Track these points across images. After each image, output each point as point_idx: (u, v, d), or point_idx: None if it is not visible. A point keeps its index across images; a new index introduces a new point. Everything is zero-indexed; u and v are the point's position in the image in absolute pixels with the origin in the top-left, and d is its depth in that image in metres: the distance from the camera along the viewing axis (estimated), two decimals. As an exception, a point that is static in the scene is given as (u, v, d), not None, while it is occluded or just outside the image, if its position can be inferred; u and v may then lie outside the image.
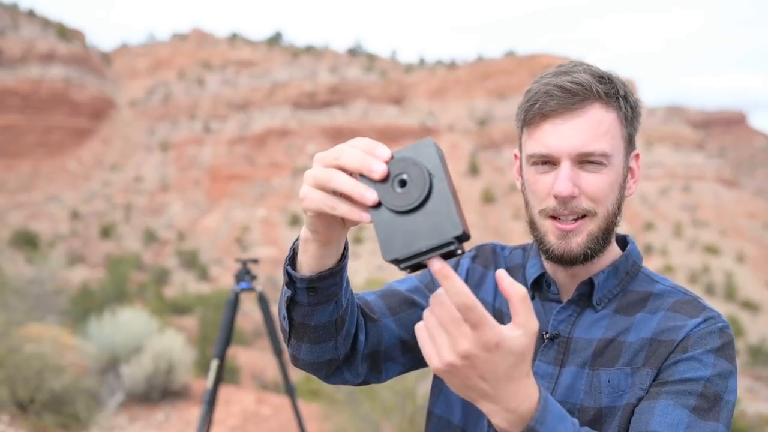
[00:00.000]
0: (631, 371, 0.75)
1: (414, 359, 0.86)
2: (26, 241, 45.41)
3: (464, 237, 0.51)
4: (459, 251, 0.52)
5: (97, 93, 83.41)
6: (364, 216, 0.54)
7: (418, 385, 4.43)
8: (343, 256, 0.68)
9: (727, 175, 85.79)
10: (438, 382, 0.88)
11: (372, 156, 0.54)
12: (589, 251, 0.77)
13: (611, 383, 0.75)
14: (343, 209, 0.55)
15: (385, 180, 0.52)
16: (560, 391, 0.78)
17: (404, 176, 0.52)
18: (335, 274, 0.67)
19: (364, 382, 0.84)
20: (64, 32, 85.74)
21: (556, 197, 0.75)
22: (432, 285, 0.89)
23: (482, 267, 0.92)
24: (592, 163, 0.75)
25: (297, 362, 0.77)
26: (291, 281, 0.68)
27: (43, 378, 3.96)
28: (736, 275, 61.74)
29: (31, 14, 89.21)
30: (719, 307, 57.48)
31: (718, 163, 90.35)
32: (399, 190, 0.52)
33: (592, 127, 0.75)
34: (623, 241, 0.87)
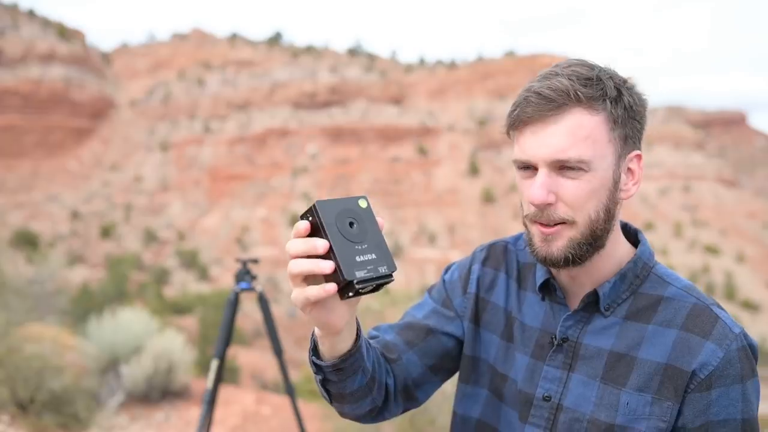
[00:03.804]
0: (651, 400, 0.75)
1: (446, 373, 0.93)
2: (26, 241, 45.39)
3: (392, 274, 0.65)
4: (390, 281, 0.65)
5: (97, 93, 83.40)
6: (329, 289, 0.62)
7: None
8: (358, 336, 0.74)
9: (727, 175, 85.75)
10: (461, 386, 0.92)
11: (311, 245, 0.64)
12: (570, 256, 0.77)
13: (629, 405, 0.76)
14: (312, 292, 0.63)
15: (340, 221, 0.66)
16: (570, 398, 0.79)
17: (352, 219, 0.66)
18: (354, 354, 0.74)
19: (405, 411, 0.91)
20: (64, 32, 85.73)
21: (531, 204, 0.76)
22: (449, 301, 0.93)
23: (493, 269, 0.93)
24: (571, 169, 0.74)
25: (343, 415, 0.85)
26: (318, 368, 0.75)
27: (43, 378, 3.96)
28: (736, 275, 61.72)
29: (31, 14, 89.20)
30: (719, 307, 57.57)
31: (718, 163, 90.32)
32: (349, 229, 0.65)
33: (569, 133, 0.73)
34: (636, 237, 0.85)
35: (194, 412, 4.85)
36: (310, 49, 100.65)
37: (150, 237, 62.53)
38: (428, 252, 61.34)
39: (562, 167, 0.74)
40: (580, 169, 0.74)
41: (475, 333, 0.91)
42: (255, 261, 2.67)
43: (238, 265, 2.67)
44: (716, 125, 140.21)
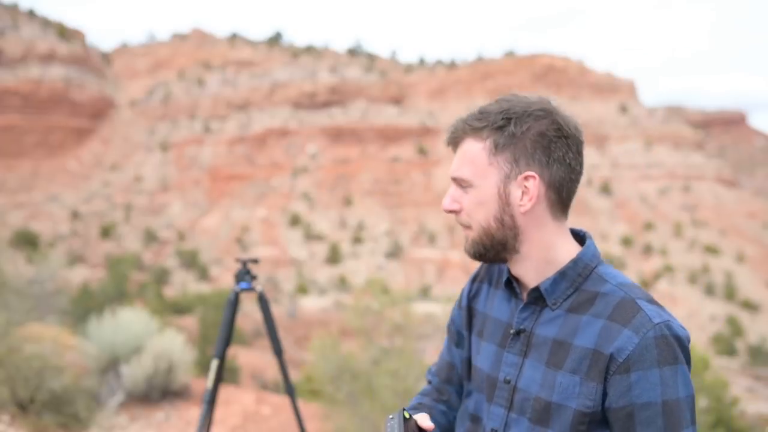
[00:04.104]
0: (580, 381, 0.88)
1: None
2: (26, 241, 45.39)
3: None
4: None
5: (97, 93, 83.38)
6: None
7: (417, 384, 4.42)
8: None
9: (727, 175, 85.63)
10: (465, 383, 1.10)
11: None
12: (477, 254, 0.96)
13: (562, 385, 0.90)
14: None
15: None
16: (523, 380, 0.95)
17: None
18: None
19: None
20: (64, 32, 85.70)
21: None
22: (452, 324, 1.14)
23: (479, 283, 1.10)
24: (462, 185, 0.95)
25: None
26: None
27: (44, 378, 3.96)
28: (735, 275, 61.65)
29: (31, 14, 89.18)
30: (719, 307, 57.41)
31: (717, 163, 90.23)
32: None
33: (460, 156, 0.95)
34: (583, 240, 0.99)
35: (194, 412, 4.85)
36: (310, 50, 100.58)
37: (150, 237, 62.51)
38: (428, 252, 61.31)
39: (459, 183, 0.96)
40: (469, 185, 0.94)
41: (470, 338, 1.08)
42: (255, 261, 2.67)
43: (238, 265, 2.67)
44: (716, 125, 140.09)
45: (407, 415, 0.88)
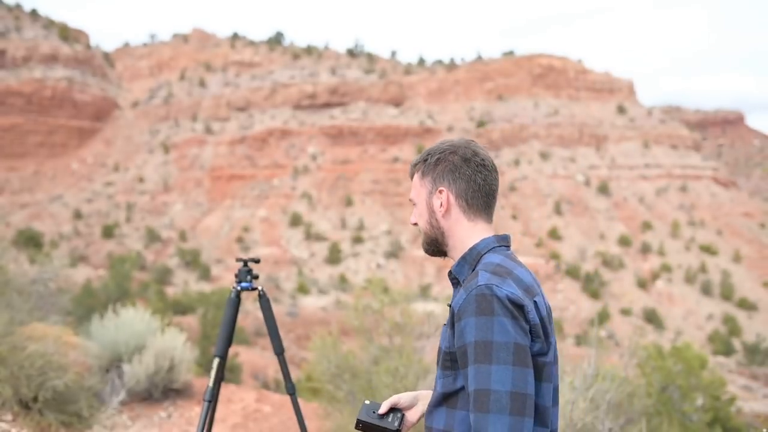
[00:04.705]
0: (445, 329, 1.26)
1: None
2: (29, 241, 45.49)
3: None
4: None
5: (100, 94, 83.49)
6: None
7: (418, 384, 4.45)
8: None
9: (724, 176, 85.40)
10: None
11: None
12: (428, 251, 1.36)
13: (443, 334, 1.27)
14: None
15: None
16: (441, 339, 1.29)
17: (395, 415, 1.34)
18: None
19: None
20: (67, 33, 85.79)
21: None
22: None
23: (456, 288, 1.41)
24: (414, 204, 1.37)
25: None
26: None
27: (46, 376, 3.99)
28: (732, 275, 61.54)
29: (33, 15, 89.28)
30: (716, 306, 57.30)
31: (715, 163, 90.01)
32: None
33: (412, 185, 1.38)
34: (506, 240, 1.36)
35: (196, 411, 4.88)
36: (310, 50, 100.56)
37: (152, 237, 62.59)
38: (429, 252, 61.11)
39: (412, 203, 1.38)
40: (415, 203, 1.37)
41: None
42: (256, 260, 2.70)
43: (239, 264, 2.70)
44: (713, 125, 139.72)
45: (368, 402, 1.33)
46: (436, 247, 1.34)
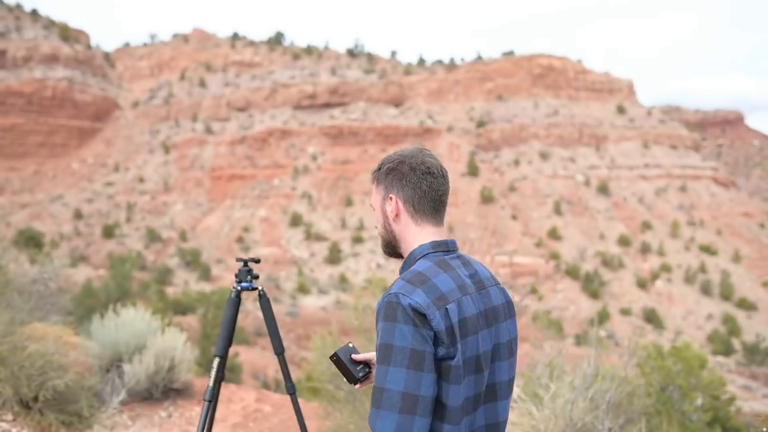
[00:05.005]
0: (376, 327, 1.33)
1: None
2: (30, 241, 45.48)
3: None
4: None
5: (100, 94, 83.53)
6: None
7: (417, 383, 4.44)
8: None
9: (724, 176, 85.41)
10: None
11: None
12: (386, 252, 1.47)
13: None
14: None
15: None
16: None
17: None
18: None
19: None
20: (67, 33, 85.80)
21: None
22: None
23: None
24: (373, 210, 1.48)
25: None
26: None
27: (47, 376, 4.00)
28: (732, 275, 61.54)
29: (34, 15, 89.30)
30: (715, 306, 57.30)
31: (714, 163, 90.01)
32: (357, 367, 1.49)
33: (372, 191, 1.50)
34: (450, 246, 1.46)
35: (196, 410, 4.89)
36: (310, 50, 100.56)
37: (152, 237, 62.61)
38: (429, 252, 61.09)
39: (373, 209, 1.49)
40: (373, 209, 1.47)
41: None
42: (256, 260, 2.71)
43: (239, 264, 2.70)
44: (713, 126, 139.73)
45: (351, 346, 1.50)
46: (392, 249, 1.45)
